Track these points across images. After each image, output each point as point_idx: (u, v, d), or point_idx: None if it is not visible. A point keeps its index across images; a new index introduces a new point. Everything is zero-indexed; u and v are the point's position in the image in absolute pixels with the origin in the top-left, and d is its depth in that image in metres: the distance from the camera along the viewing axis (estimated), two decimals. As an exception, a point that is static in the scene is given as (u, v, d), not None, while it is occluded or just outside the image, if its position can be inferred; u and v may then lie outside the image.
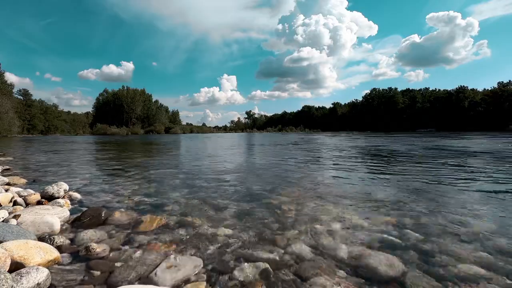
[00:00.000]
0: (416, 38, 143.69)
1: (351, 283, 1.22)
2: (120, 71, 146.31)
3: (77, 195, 2.73)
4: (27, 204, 2.37)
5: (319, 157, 7.13)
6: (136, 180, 3.79)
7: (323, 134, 35.79)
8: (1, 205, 2.23)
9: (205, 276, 1.29)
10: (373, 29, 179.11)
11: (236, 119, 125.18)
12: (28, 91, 62.55)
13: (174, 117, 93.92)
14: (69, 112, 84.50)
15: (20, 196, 2.50)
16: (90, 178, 3.91)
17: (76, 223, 1.97)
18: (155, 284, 1.20)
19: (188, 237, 1.74)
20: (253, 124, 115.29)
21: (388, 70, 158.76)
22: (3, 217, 1.85)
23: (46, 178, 3.94)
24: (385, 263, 1.37)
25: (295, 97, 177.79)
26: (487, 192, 2.85)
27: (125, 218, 2.07)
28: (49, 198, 2.52)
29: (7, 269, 1.17)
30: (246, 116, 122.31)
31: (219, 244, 1.62)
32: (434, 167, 4.81)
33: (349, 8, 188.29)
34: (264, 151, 9.30)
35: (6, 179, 3.32)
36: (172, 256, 1.44)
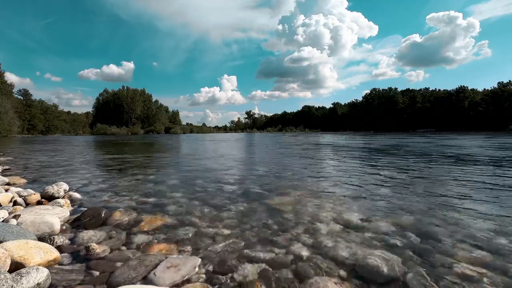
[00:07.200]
0: (416, 38, 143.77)
1: (351, 283, 1.22)
2: (120, 71, 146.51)
3: (77, 195, 2.73)
4: (27, 204, 2.37)
5: (318, 156, 7.12)
6: (136, 180, 3.79)
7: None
8: (1, 205, 2.23)
9: (204, 276, 1.29)
10: (374, 29, 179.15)
11: (236, 119, 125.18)
12: (28, 91, 62.72)
13: (174, 117, 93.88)
14: (69, 112, 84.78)
15: (20, 196, 2.50)
16: (90, 178, 3.91)
17: (76, 223, 1.97)
18: (155, 284, 1.20)
19: (187, 237, 1.74)
20: (253, 124, 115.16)
21: (388, 70, 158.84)
22: (3, 217, 1.85)
23: (46, 178, 3.95)
24: (384, 263, 1.37)
25: (295, 97, 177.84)
26: (486, 192, 2.85)
27: (125, 218, 2.07)
28: (49, 198, 2.52)
29: (7, 269, 1.17)
30: (246, 116, 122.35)
31: (219, 244, 1.62)
32: (434, 167, 4.82)
33: (349, 8, 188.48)
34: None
35: (6, 179, 3.33)
36: (172, 256, 1.44)
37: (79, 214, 2.09)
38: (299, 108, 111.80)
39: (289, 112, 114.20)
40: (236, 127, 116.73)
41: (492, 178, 3.67)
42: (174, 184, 3.50)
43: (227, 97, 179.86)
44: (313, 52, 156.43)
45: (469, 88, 64.72)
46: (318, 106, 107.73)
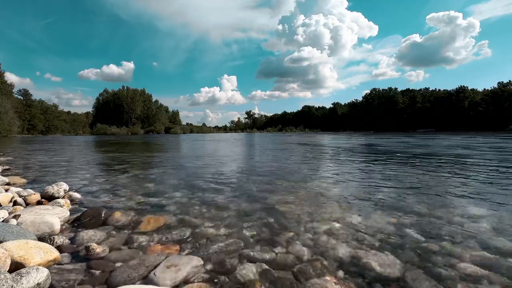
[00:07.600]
0: (416, 38, 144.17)
1: (351, 283, 1.22)
2: (120, 71, 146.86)
3: (77, 195, 2.73)
4: (27, 204, 2.37)
5: (318, 156, 7.12)
6: (136, 180, 3.79)
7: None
8: (1, 205, 2.23)
9: (205, 276, 1.29)
10: (374, 29, 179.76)
11: (236, 119, 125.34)
12: (28, 91, 62.96)
13: (174, 117, 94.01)
14: (69, 112, 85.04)
15: (20, 196, 2.50)
16: (90, 178, 3.91)
17: (76, 223, 1.97)
18: (155, 284, 1.20)
19: (188, 237, 1.74)
20: (253, 124, 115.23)
21: (388, 70, 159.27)
22: (3, 217, 1.85)
23: (46, 178, 3.94)
24: (385, 263, 1.37)
25: (295, 97, 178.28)
26: (486, 192, 2.85)
27: (125, 218, 2.07)
28: (49, 198, 2.52)
29: (7, 269, 1.17)
30: (246, 116, 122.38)
31: (219, 244, 1.62)
32: (433, 167, 4.81)
33: (349, 8, 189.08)
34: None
35: (6, 179, 3.32)
36: (172, 256, 1.44)
37: (79, 214, 2.09)
38: (299, 108, 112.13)
39: (289, 112, 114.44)
40: (236, 127, 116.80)
41: (492, 177, 3.67)
42: (174, 184, 3.50)
43: (227, 97, 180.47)
44: (313, 52, 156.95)
45: (469, 88, 64.86)
46: (318, 106, 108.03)
